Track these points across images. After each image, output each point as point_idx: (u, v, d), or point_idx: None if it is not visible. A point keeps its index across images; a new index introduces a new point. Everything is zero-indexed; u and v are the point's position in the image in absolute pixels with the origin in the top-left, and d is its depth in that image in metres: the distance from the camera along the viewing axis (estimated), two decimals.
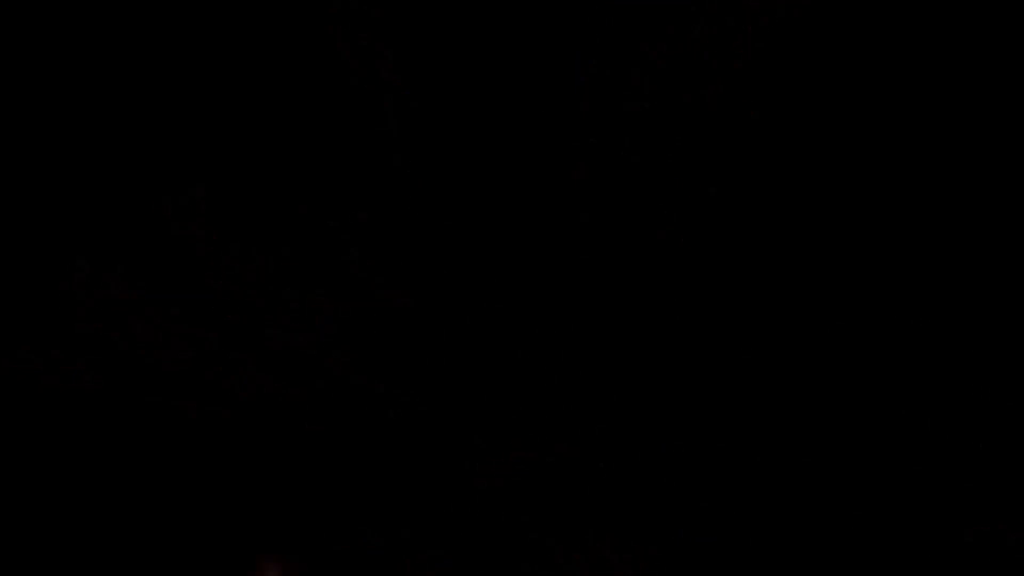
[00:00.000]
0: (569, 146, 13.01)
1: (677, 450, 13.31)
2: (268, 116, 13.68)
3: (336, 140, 13.40)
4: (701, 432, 13.30)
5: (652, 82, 12.88)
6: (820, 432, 13.47)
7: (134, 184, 13.91)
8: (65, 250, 14.09)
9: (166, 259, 14.29)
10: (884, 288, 13.94)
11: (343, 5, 12.63)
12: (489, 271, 13.26)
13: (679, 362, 13.41)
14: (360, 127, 13.18)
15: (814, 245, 13.81)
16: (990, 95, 12.95)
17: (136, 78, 13.56)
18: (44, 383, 14.57)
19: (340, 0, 12.54)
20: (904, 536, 13.39)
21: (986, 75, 12.81)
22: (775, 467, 13.27)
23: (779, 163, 13.71)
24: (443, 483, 13.29)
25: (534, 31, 12.89)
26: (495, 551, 13.28)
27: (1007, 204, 13.42)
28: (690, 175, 13.23)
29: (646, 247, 13.26)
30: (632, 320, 13.57)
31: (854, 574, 13.48)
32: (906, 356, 13.76)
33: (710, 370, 13.54)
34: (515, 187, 13.33)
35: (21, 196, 14.01)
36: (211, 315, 14.28)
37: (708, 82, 12.69)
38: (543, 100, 12.96)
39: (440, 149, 13.29)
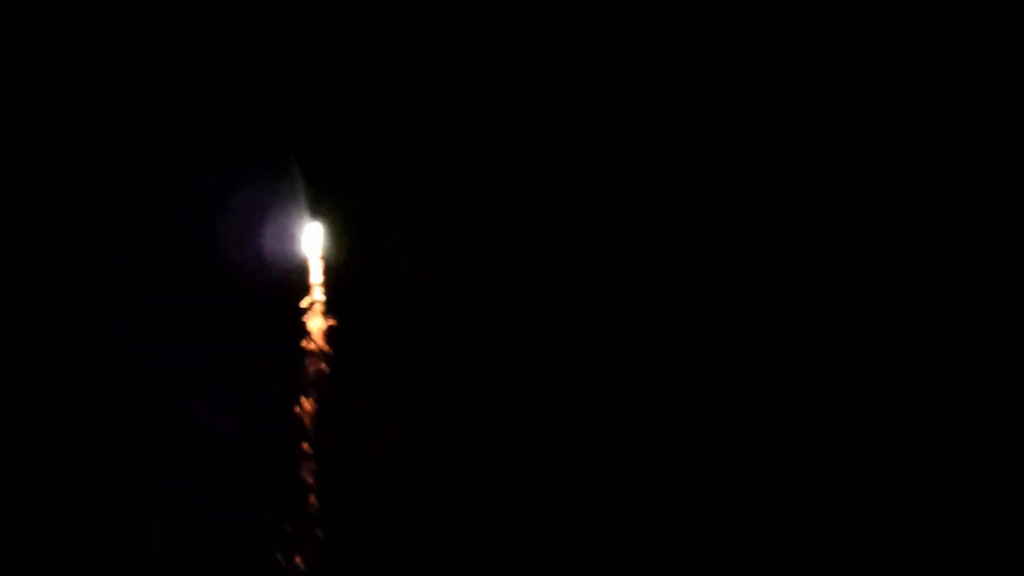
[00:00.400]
0: (569, 146, 12.99)
1: (677, 450, 13.28)
2: (267, 116, 13.60)
3: (336, 140, 13.36)
4: (701, 432, 13.25)
5: (652, 82, 12.85)
6: (820, 432, 13.41)
7: (135, 184, 13.84)
8: (66, 250, 13.98)
9: (167, 259, 14.10)
10: (883, 285, 13.86)
11: (343, 5, 12.61)
12: (489, 269, 13.22)
13: (679, 361, 13.35)
14: (361, 127, 13.13)
15: (813, 243, 13.75)
16: (988, 95, 12.88)
17: (137, 79, 13.45)
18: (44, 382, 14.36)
19: (340, 0, 12.53)
20: (903, 535, 13.32)
21: (984, 75, 12.75)
22: (774, 467, 13.22)
23: (778, 162, 13.65)
24: (444, 483, 13.24)
25: (534, 31, 12.86)
26: (495, 550, 13.24)
27: (1005, 203, 13.33)
28: (690, 175, 13.19)
29: (645, 247, 13.21)
30: (632, 319, 13.51)
31: (854, 574, 13.38)
32: (905, 356, 13.65)
33: (710, 369, 13.47)
34: (515, 187, 13.29)
35: (22, 197, 13.89)
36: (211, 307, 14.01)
37: (708, 82, 12.66)
38: (543, 100, 12.93)
39: (440, 149, 13.25)
